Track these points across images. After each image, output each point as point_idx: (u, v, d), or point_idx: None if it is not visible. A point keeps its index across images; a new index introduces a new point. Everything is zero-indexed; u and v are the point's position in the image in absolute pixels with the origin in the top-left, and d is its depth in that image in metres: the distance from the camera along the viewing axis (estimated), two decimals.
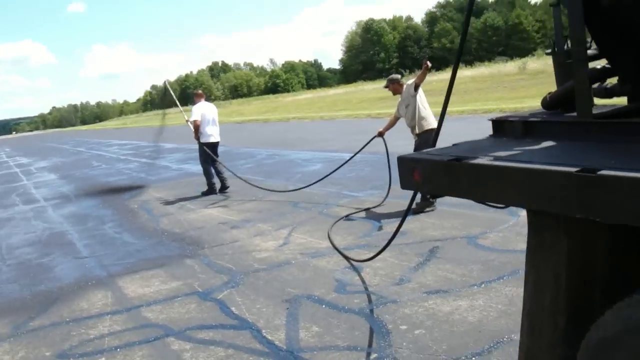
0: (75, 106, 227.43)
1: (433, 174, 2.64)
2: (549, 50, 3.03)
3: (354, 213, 8.86)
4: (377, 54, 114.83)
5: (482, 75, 48.32)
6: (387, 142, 9.67)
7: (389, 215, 8.50)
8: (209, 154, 12.28)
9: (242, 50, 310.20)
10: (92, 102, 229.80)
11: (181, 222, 9.93)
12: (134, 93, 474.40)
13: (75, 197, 15.16)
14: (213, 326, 5.13)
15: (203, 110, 12.38)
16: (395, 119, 9.15)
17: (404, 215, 4.37)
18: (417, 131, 8.56)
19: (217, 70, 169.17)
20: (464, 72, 58.00)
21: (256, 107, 78.29)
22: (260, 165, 16.47)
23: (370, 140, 9.76)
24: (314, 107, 55.40)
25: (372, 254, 5.71)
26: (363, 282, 5.81)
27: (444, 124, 3.66)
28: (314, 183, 10.94)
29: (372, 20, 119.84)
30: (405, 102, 8.63)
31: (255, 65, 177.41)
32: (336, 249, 6.93)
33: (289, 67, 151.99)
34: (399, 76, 9.17)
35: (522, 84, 38.96)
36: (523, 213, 7.51)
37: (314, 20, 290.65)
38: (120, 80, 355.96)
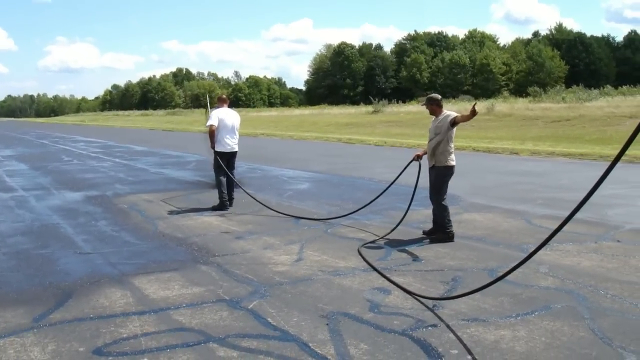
0: (31, 97, 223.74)
1: None
2: None
3: (380, 238, 8.76)
4: (344, 80, 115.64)
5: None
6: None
7: (399, 242, 8.56)
8: (223, 164, 11.53)
9: (206, 59, 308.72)
10: (49, 95, 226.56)
11: (180, 227, 9.85)
12: (93, 90, 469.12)
13: (56, 190, 14.89)
14: (255, 336, 5.10)
15: (222, 116, 11.51)
16: None
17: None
18: (434, 163, 8.53)
19: (181, 77, 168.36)
20: None
21: None
22: (244, 178, 16.34)
23: (408, 164, 9.35)
24: (280, 125, 55.37)
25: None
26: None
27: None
28: (358, 210, 10.44)
29: (344, 44, 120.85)
30: (437, 129, 8.49)
31: (219, 76, 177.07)
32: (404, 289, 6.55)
33: (253, 82, 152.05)
34: (440, 97, 8.90)
35: (490, 124, 39.53)
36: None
37: (280, 37, 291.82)
38: (79, 75, 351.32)
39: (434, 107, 8.66)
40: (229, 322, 5.44)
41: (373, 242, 8.59)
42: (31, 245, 8.85)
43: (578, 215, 4.38)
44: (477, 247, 8.14)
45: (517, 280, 6.58)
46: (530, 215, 10.36)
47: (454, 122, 8.32)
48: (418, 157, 9.14)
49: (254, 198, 11.67)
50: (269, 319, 5.50)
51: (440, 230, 8.56)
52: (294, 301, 6.00)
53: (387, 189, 10.22)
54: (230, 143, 11.65)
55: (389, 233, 9.00)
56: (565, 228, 8.72)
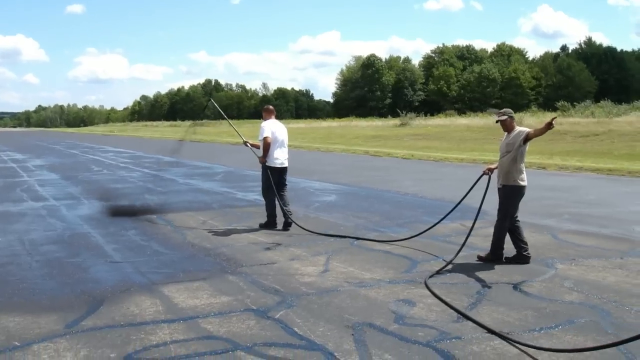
0: (62, 107, 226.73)
1: None
2: None
3: (445, 267, 7.85)
4: (372, 92, 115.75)
5: (477, 125, 48.74)
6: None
7: (425, 254, 8.64)
8: (274, 180, 10.58)
9: (233, 71, 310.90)
10: (79, 105, 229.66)
11: (208, 238, 10.00)
12: (122, 101, 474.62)
13: (87, 199, 15.14)
14: (281, 345, 5.21)
15: (273, 129, 10.62)
16: None
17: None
18: (503, 182, 8.13)
19: (210, 88, 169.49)
20: (458, 120, 58.81)
21: (248, 130, 77.98)
22: None
23: (478, 179, 8.65)
24: (307, 137, 55.49)
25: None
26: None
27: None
28: (421, 233, 9.58)
29: (374, 57, 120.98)
30: (509, 147, 8.00)
31: (247, 87, 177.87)
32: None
33: (280, 93, 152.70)
34: (512, 111, 8.33)
35: None
36: (560, 266, 7.75)
37: (308, 50, 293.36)
38: (109, 86, 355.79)
39: (510, 122, 8.11)
40: (256, 331, 5.55)
41: (440, 270, 7.71)
42: (63, 254, 9.04)
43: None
44: (501, 261, 8.17)
45: (542, 294, 6.64)
46: (556, 230, 10.36)
47: (526, 139, 7.83)
48: (489, 171, 8.37)
49: (301, 227, 10.61)
50: (295, 328, 5.60)
51: (491, 250, 8.25)
52: (320, 311, 6.10)
53: (454, 208, 9.45)
54: (280, 158, 10.70)
55: (454, 257, 8.16)
56: (591, 243, 8.77)
